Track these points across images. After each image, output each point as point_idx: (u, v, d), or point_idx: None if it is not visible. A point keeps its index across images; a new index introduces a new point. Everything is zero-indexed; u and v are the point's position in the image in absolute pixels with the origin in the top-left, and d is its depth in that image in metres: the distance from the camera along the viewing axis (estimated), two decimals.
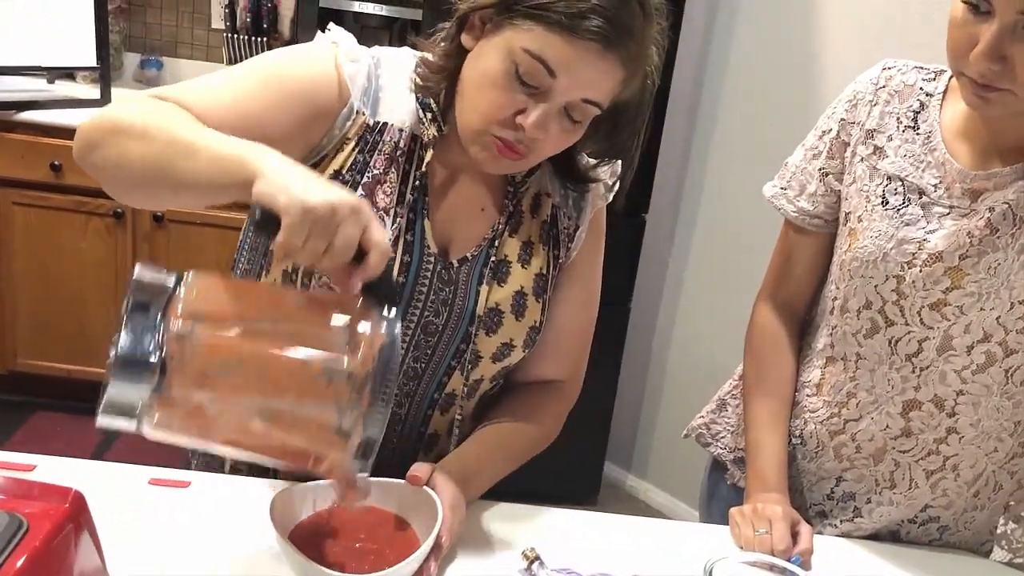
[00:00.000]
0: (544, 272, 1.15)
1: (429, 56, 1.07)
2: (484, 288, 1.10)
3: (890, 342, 1.15)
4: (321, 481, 1.03)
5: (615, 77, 0.98)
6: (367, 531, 0.99)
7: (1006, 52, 0.96)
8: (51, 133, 2.67)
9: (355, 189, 1.05)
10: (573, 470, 2.86)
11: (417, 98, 1.08)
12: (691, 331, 2.88)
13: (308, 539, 0.96)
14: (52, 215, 2.75)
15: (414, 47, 1.11)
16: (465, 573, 0.99)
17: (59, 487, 0.75)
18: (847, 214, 1.20)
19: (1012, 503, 1.21)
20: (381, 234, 0.82)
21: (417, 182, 1.08)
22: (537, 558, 1.03)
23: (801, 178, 1.25)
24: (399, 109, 1.08)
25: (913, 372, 1.15)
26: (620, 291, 2.76)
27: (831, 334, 1.22)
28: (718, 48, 2.66)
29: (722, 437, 1.40)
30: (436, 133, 1.07)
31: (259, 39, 2.97)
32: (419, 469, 1.03)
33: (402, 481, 1.02)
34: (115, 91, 2.86)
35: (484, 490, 1.13)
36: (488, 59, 0.98)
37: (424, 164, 1.07)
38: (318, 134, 1.06)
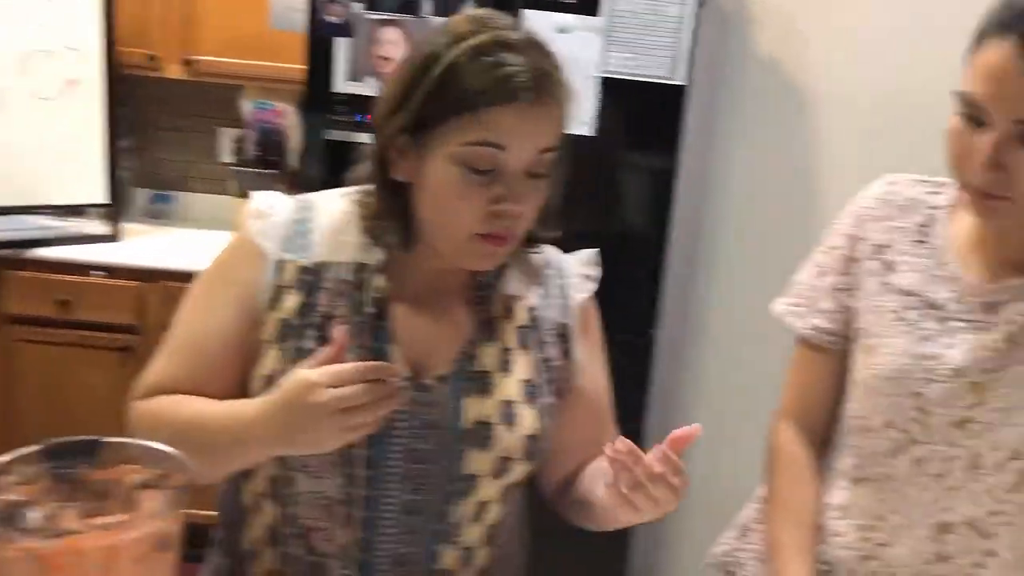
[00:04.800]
0: (531, 379, 1.12)
1: (367, 202, 1.09)
2: (465, 401, 1.07)
3: (916, 462, 1.11)
4: None
5: (555, 117, 1.02)
6: None
7: (1005, 161, 0.96)
8: (59, 269, 2.70)
9: (304, 332, 1.06)
10: None
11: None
12: (708, 453, 2.82)
13: None
14: (59, 351, 2.74)
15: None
16: None
17: None
18: (861, 330, 1.18)
19: None
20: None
21: (372, 309, 1.07)
22: None
23: (811, 294, 1.24)
24: (339, 246, 1.10)
25: (943, 493, 1.10)
26: (632, 410, 2.71)
27: (855, 454, 1.18)
28: (718, 170, 2.70)
29: (747, 565, 1.34)
30: (384, 256, 1.09)
31: (267, 171, 3.03)
32: None
33: None
34: (125, 226, 2.90)
35: None
36: (436, 179, 1.01)
37: (377, 290, 1.08)
38: (255, 299, 1.09)
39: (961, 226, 1.12)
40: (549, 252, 1.20)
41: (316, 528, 1.09)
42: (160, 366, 1.12)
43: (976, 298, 1.08)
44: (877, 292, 1.15)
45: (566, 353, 1.16)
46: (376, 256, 1.09)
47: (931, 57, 2.26)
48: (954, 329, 1.09)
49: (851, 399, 1.20)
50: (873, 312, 1.16)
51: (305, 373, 0.93)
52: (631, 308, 2.65)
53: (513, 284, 1.15)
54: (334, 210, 1.13)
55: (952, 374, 1.08)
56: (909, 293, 1.13)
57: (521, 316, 1.14)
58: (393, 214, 1.07)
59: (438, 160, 1.00)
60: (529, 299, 1.15)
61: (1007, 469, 1.06)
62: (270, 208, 1.13)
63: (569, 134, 1.06)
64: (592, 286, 1.20)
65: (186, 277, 2.54)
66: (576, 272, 1.20)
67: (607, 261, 1.23)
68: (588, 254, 1.22)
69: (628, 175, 2.60)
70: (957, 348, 1.08)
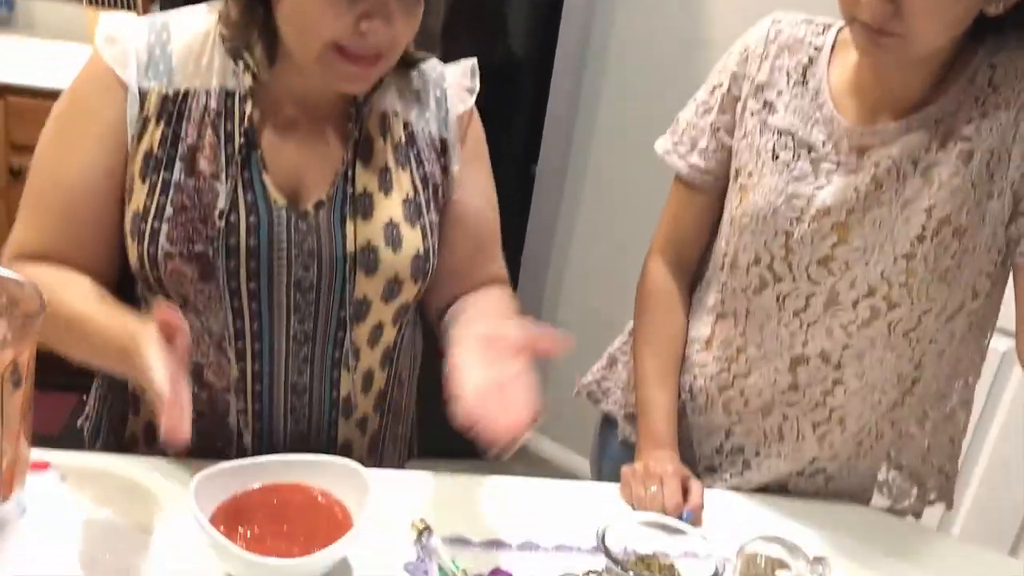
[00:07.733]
0: (413, 197, 1.09)
1: (229, 12, 1.01)
2: (349, 226, 1.05)
3: (778, 298, 1.16)
4: (245, 460, 0.97)
5: None
6: (295, 512, 0.95)
7: None
8: None
9: (171, 164, 1.00)
10: None
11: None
12: (582, 285, 2.88)
13: (232, 521, 0.91)
14: None
15: None
16: (356, 550, 0.95)
17: None
18: (737, 170, 1.19)
19: (893, 452, 1.24)
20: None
21: (242, 138, 1.02)
22: (427, 528, 1.00)
23: (693, 133, 1.23)
24: (203, 71, 1.03)
25: (800, 327, 1.15)
26: (511, 242, 2.72)
27: (721, 290, 1.22)
28: (603, 2, 2.63)
29: (612, 394, 1.40)
30: (251, 82, 1.02)
31: None
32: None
33: (329, 457, 0.99)
34: None
35: None
36: None
37: (246, 118, 1.02)
38: (121, 135, 1.02)
39: (842, 68, 1.13)
40: (427, 64, 1.14)
41: (206, 364, 1.07)
42: (28, 228, 1.03)
43: (848, 141, 1.10)
44: (755, 131, 1.16)
45: (445, 169, 1.13)
46: (243, 82, 1.02)
47: None
48: (825, 170, 1.11)
49: (721, 237, 1.23)
50: (749, 151, 1.17)
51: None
52: (514, 140, 2.61)
53: (388, 100, 1.10)
54: (192, 30, 1.04)
55: (819, 214, 1.11)
56: (785, 133, 1.14)
57: (398, 133, 1.10)
58: (254, 23, 0.99)
59: None
60: (406, 114, 1.11)
61: (861, 306, 1.12)
62: (121, 32, 1.03)
63: None
64: (472, 98, 1.16)
65: (30, 93, 2.40)
66: (455, 84, 1.15)
67: (491, 92, 1.19)
68: (467, 64, 1.17)
69: (513, 1, 2.51)
70: (826, 189, 1.10)
